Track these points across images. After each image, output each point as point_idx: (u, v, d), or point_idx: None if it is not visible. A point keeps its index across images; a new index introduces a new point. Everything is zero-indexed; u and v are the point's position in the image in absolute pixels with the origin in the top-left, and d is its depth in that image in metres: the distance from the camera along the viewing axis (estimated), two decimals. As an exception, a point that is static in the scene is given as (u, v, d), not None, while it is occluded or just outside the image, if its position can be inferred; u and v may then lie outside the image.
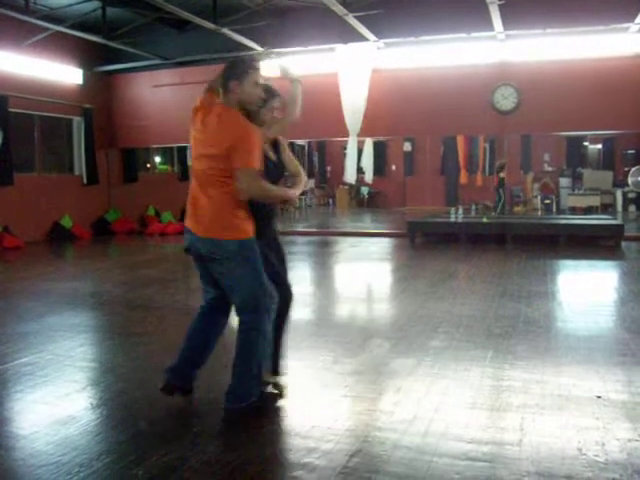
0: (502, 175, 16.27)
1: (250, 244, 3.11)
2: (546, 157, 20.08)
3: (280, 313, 3.37)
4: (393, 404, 3.34)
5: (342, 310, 6.28)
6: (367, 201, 22.00)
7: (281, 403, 3.39)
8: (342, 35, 11.30)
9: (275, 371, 3.49)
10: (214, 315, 3.38)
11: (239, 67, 3.10)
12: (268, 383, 3.43)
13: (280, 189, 3.28)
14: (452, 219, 11.90)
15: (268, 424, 3.14)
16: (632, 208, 17.11)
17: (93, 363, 4.37)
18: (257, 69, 3.12)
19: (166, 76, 13.47)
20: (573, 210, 16.94)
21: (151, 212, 14.48)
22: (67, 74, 13.05)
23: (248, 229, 3.12)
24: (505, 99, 11.53)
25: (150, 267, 8.83)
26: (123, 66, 13.38)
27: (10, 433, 3.08)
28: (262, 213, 3.26)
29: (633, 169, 17.17)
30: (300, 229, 13.59)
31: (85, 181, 13.46)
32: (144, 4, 10.42)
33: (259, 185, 3.04)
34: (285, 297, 3.40)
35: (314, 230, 13.11)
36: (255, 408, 3.17)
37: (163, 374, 3.39)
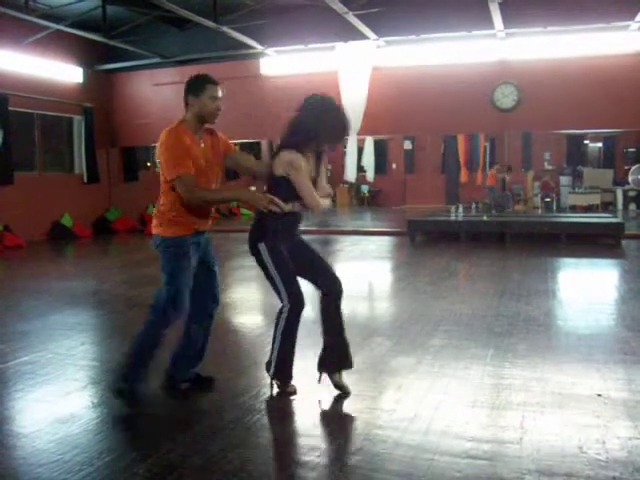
0: (508, 178, 16.32)
1: (170, 243, 3.22)
2: (546, 155, 20.07)
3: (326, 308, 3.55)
4: (394, 402, 3.34)
5: (342, 308, 6.26)
6: (367, 199, 21.99)
7: (281, 402, 3.39)
8: (342, 33, 11.30)
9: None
10: (196, 316, 3.45)
11: (196, 82, 3.23)
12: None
13: (227, 189, 3.44)
14: (452, 217, 11.89)
15: (269, 423, 3.15)
16: (632, 206, 17.10)
17: (94, 362, 4.37)
18: (214, 83, 3.22)
19: (166, 74, 13.46)
20: (573, 208, 16.93)
21: (151, 211, 14.41)
22: (67, 73, 13.05)
23: (174, 230, 3.22)
24: (505, 97, 11.53)
25: (151, 266, 8.82)
26: (123, 65, 13.38)
27: (11, 432, 3.08)
28: (283, 220, 3.37)
29: (633, 167, 17.17)
30: (300, 227, 13.56)
31: (85, 180, 13.46)
32: (144, 2, 10.42)
33: (195, 194, 3.15)
34: (329, 291, 3.58)
35: (314, 229, 13.06)
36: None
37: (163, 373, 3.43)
